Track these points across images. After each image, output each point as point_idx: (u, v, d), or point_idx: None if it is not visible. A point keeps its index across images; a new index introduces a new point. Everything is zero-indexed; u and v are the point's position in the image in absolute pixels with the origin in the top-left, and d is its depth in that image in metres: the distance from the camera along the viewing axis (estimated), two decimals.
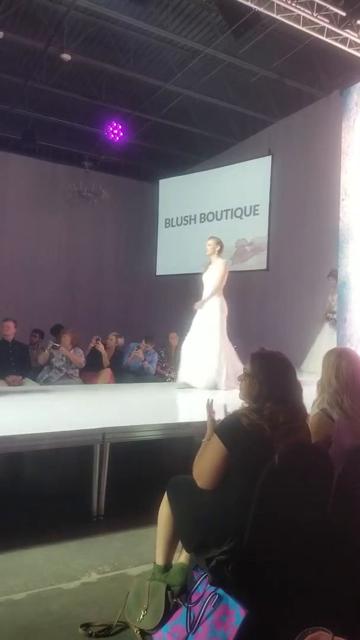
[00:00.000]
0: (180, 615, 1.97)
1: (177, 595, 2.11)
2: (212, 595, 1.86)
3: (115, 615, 2.17)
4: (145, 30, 7.43)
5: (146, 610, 2.11)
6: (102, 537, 3.09)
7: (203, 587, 1.91)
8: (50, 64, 8.13)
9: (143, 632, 2.08)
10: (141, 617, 2.11)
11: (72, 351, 6.09)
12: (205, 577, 1.92)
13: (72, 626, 2.15)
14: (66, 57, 7.48)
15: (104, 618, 2.18)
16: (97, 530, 3.16)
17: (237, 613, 1.79)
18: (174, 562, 2.31)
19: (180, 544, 2.26)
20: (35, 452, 4.19)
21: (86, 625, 2.14)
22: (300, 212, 8.86)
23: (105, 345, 6.73)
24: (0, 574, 2.59)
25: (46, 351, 6.06)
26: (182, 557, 2.29)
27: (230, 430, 2.03)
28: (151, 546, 2.42)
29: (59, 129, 10.15)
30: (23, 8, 7.01)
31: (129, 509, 3.30)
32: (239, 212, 10.33)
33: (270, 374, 2.08)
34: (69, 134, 10.36)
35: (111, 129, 9.66)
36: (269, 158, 9.69)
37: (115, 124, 9.64)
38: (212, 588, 1.87)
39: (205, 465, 2.07)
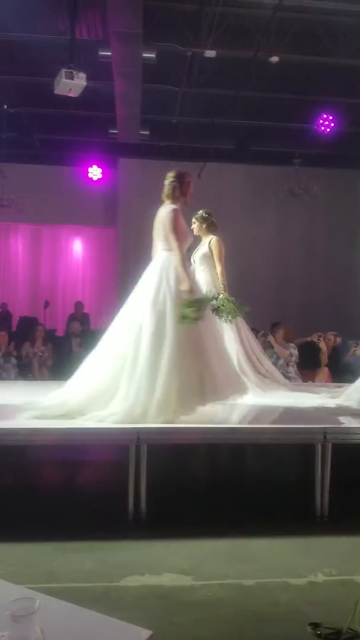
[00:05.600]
0: None
1: None
2: None
3: (342, 621, 2.10)
4: (355, 11, 7.02)
5: None
6: (327, 538, 3.03)
7: None
8: (259, 69, 8.28)
9: None
10: None
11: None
12: None
13: (299, 622, 2.16)
14: (274, 59, 7.53)
15: (331, 621, 2.13)
16: (321, 530, 3.11)
17: None
18: None
19: None
20: (254, 446, 4.31)
21: (314, 625, 2.12)
22: None
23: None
24: (230, 559, 2.73)
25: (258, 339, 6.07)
26: None
27: None
28: None
29: (269, 131, 10.26)
30: (232, 23, 7.29)
31: (357, 511, 3.17)
32: None
33: None
34: (279, 134, 10.40)
35: (321, 121, 9.41)
36: None
37: (325, 116, 9.36)
38: None
39: None
